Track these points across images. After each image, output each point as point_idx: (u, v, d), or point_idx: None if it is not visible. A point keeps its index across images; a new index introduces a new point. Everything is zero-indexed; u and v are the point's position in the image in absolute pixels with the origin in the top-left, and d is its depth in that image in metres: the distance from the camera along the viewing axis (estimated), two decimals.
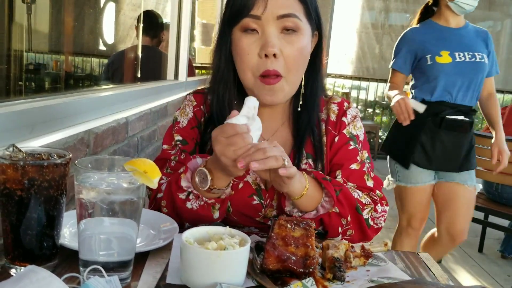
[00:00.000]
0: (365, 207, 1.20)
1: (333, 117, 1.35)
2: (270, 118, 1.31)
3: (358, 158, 1.31)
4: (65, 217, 1.05)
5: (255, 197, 1.24)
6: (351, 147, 1.31)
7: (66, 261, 0.95)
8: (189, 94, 1.41)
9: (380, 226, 1.24)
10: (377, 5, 8.99)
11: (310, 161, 1.30)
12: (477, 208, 3.61)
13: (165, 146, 1.35)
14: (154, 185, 0.84)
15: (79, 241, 0.88)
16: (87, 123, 1.51)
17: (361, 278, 0.91)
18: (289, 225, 0.94)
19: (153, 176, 0.83)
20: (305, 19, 1.21)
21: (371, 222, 1.20)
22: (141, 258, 0.98)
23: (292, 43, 1.18)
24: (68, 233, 1.04)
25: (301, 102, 1.30)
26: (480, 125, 7.10)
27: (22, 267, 0.86)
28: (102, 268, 0.83)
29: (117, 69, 3.52)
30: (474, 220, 3.66)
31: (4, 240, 0.88)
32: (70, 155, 0.90)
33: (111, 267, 0.86)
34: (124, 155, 1.90)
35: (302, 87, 1.30)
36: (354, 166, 1.29)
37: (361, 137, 1.35)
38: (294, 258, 0.89)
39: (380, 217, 1.23)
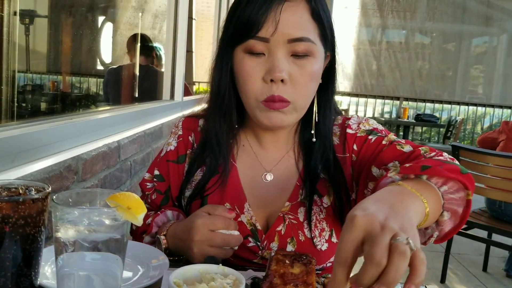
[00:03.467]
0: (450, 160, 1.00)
1: (336, 140, 1.23)
2: (272, 146, 1.23)
3: (384, 142, 1.16)
4: (46, 253, 0.99)
5: (250, 239, 1.16)
6: (372, 140, 1.17)
7: None
8: (181, 118, 1.33)
9: None
10: (374, 22, 9.04)
11: (316, 197, 1.18)
12: (480, 226, 3.54)
13: (146, 175, 1.30)
14: (138, 222, 0.77)
15: (57, 280, 0.80)
16: (75, 149, 1.45)
17: None
18: (287, 261, 0.87)
19: (137, 213, 0.76)
20: (318, 41, 1.09)
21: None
22: None
23: (302, 68, 1.07)
24: (50, 271, 0.96)
25: (313, 131, 1.19)
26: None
27: None
28: None
29: (113, 87, 3.49)
30: (478, 238, 3.58)
31: None
32: (49, 189, 0.83)
33: None
34: (116, 180, 1.83)
35: (315, 114, 1.18)
36: (384, 149, 1.15)
37: (380, 127, 1.22)
38: None
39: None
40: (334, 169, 1.18)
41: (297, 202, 1.18)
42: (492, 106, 9.09)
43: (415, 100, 9.07)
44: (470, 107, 9.22)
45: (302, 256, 0.89)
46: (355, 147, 1.19)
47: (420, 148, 1.13)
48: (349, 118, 1.25)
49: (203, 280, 0.80)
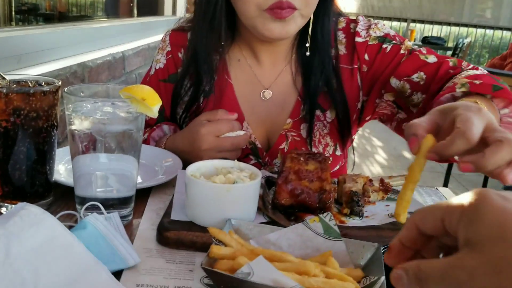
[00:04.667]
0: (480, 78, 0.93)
1: (342, 50, 1.15)
2: (271, 61, 1.16)
3: (402, 51, 1.10)
4: (60, 153, 0.98)
5: (251, 157, 1.15)
6: (388, 49, 1.11)
7: (61, 198, 0.88)
8: (167, 32, 1.22)
9: None
10: None
11: (319, 112, 1.14)
12: None
13: None
14: (154, 113, 0.75)
15: (74, 178, 0.80)
16: (80, 56, 1.41)
17: (381, 213, 0.85)
18: (302, 158, 0.86)
19: (152, 104, 0.74)
20: None
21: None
22: (143, 195, 0.91)
23: None
24: (63, 169, 0.96)
25: (308, 44, 1.11)
26: None
27: (13, 205, 0.79)
28: (101, 204, 0.77)
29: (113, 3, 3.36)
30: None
31: None
32: (60, 83, 0.81)
33: (111, 204, 0.79)
34: None
35: (311, 24, 1.09)
36: (403, 59, 1.09)
37: (392, 32, 1.14)
38: (308, 192, 0.82)
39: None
40: (337, 82, 1.13)
41: (298, 118, 1.15)
42: (501, 28, 8.84)
43: (422, 22, 8.80)
44: (478, 30, 8.97)
45: (317, 154, 0.88)
46: (366, 57, 1.13)
47: (448, 59, 1.07)
48: (355, 21, 1.16)
49: (219, 173, 0.80)
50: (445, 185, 3.72)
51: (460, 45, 7.91)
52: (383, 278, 0.60)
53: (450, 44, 8.55)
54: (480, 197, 0.41)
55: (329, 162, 0.86)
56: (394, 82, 1.09)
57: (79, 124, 0.75)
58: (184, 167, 0.99)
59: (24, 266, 0.61)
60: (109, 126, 0.75)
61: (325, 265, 0.64)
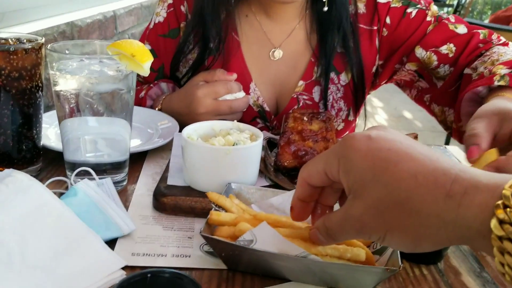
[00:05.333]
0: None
1: (362, 8, 1.07)
2: (281, 17, 1.07)
3: (429, 18, 1.04)
4: (48, 117, 0.93)
5: (258, 120, 1.09)
6: (413, 14, 1.04)
7: (51, 164, 0.84)
8: None
9: None
10: None
11: (333, 74, 1.07)
12: None
13: None
14: (145, 71, 0.69)
15: (63, 143, 0.75)
16: (68, 14, 1.33)
17: None
18: (305, 118, 0.81)
19: (142, 61, 0.68)
20: None
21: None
22: (138, 159, 0.87)
23: None
24: (53, 134, 0.91)
25: None
26: None
27: None
28: (92, 170, 0.72)
29: None
30: None
31: None
32: (43, 40, 0.75)
33: (103, 169, 0.75)
34: None
35: None
36: (430, 28, 1.03)
37: None
38: (312, 153, 0.77)
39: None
40: (354, 42, 1.05)
41: (311, 81, 1.07)
42: None
43: None
44: None
45: (321, 113, 0.83)
46: (388, 20, 1.05)
47: (478, 31, 1.02)
48: None
49: (218, 135, 0.75)
50: (447, 143, 3.69)
51: (462, 2, 7.72)
52: None
53: (451, 1, 8.34)
54: (348, 145, 0.44)
55: (334, 121, 0.81)
56: (419, 52, 1.04)
57: (64, 84, 0.69)
58: (181, 130, 0.94)
59: (11, 237, 0.57)
60: (97, 85, 0.69)
61: None
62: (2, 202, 0.61)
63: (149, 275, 0.50)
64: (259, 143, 0.72)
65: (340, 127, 1.11)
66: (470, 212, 0.37)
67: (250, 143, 0.71)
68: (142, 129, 0.98)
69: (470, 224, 0.37)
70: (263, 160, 0.80)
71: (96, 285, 0.54)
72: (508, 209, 0.35)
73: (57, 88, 0.70)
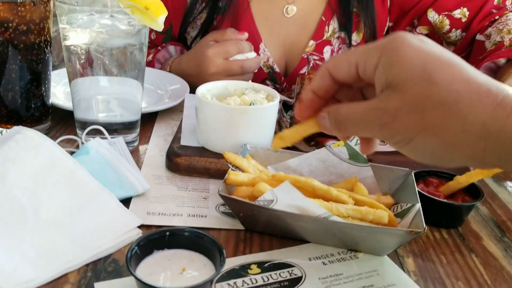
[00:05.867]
0: None
1: None
2: None
3: None
4: (57, 76, 0.91)
5: (268, 82, 1.06)
6: None
7: (60, 123, 0.82)
8: None
9: None
10: None
11: (344, 34, 1.04)
12: None
13: None
14: (159, 26, 0.66)
15: (74, 102, 0.73)
16: None
17: None
18: None
19: (156, 14, 0.65)
20: None
21: None
22: (148, 121, 0.85)
23: None
24: (61, 92, 0.89)
25: None
26: None
27: (7, 130, 0.73)
28: (104, 129, 0.70)
29: None
30: None
31: None
32: None
33: (114, 129, 0.73)
34: None
35: None
36: None
37: None
38: None
39: None
40: (368, 0, 1.02)
41: (322, 40, 1.05)
42: None
43: None
44: None
45: None
46: None
47: None
48: None
49: (232, 95, 0.72)
50: None
51: None
52: (418, 205, 0.55)
53: None
54: (398, 40, 0.39)
55: None
56: (432, 15, 1.01)
57: (74, 39, 0.66)
58: (192, 92, 0.92)
59: (23, 194, 0.56)
60: (108, 40, 0.67)
61: (352, 192, 0.59)
62: (12, 159, 0.59)
63: (167, 233, 0.49)
64: (275, 103, 0.69)
65: None
66: None
67: (267, 103, 0.69)
68: (152, 90, 0.95)
69: None
70: (278, 123, 0.78)
71: (113, 243, 0.53)
72: None
73: (67, 42, 0.67)
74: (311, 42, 1.04)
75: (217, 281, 0.49)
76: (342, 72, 0.42)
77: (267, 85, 1.06)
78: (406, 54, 0.37)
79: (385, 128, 0.38)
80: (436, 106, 0.36)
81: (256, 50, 1.03)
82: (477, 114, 0.35)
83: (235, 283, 0.49)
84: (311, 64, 1.05)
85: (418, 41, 0.38)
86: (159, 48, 1.09)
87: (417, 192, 0.58)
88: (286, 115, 0.82)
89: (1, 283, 0.46)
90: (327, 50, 1.05)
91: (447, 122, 0.36)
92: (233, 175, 0.57)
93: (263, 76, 1.05)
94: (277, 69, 1.05)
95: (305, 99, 0.45)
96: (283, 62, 1.08)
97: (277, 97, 0.70)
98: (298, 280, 0.50)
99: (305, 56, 1.04)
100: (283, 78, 1.07)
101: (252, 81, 1.01)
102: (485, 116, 0.35)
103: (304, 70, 1.05)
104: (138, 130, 0.76)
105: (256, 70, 0.99)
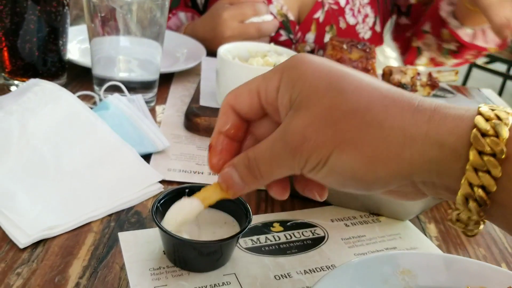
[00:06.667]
0: None
1: None
2: None
3: None
4: (72, 32, 0.89)
5: (282, 32, 1.04)
6: None
7: (76, 79, 0.81)
8: None
9: None
10: None
11: None
12: (501, 60, 3.45)
13: None
14: None
15: (93, 60, 0.72)
16: None
17: None
18: (344, 46, 0.77)
19: None
20: None
21: None
22: (165, 82, 0.83)
23: None
24: (77, 49, 0.87)
25: None
26: None
27: (23, 83, 0.72)
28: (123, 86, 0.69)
29: None
30: (495, 72, 3.53)
31: None
32: None
33: (132, 87, 0.72)
34: None
35: None
36: None
37: None
38: None
39: None
40: None
41: None
42: None
43: None
44: None
45: (361, 42, 0.79)
46: None
47: None
48: None
49: (255, 57, 0.71)
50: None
51: None
52: None
53: None
54: (299, 58, 0.35)
55: (374, 50, 0.77)
56: None
57: None
58: (208, 55, 0.91)
59: (43, 143, 0.55)
60: None
61: None
62: (32, 109, 0.58)
63: (187, 190, 0.48)
64: None
65: (367, 36, 1.07)
66: (445, 126, 0.30)
67: None
68: (169, 52, 0.94)
69: (444, 141, 0.30)
70: None
71: (135, 195, 0.52)
72: (491, 121, 0.29)
73: None
74: None
75: (241, 237, 0.48)
76: (244, 103, 0.37)
77: (280, 35, 1.04)
78: (308, 69, 0.34)
79: (296, 153, 0.33)
80: (348, 115, 0.31)
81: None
82: (394, 118, 0.31)
83: (258, 239, 0.49)
84: (325, 8, 1.03)
85: (318, 59, 0.35)
86: (170, 15, 1.08)
87: None
88: None
89: (25, 228, 0.45)
90: None
91: (363, 132, 0.31)
92: None
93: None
94: (291, 17, 1.04)
95: (215, 144, 0.38)
96: (296, 9, 1.06)
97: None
98: (321, 239, 0.50)
99: (320, 0, 1.02)
100: (297, 27, 1.05)
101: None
102: (403, 122, 0.31)
103: (318, 15, 1.03)
104: (156, 90, 0.75)
105: (273, 34, 0.97)
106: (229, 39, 0.92)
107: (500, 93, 3.89)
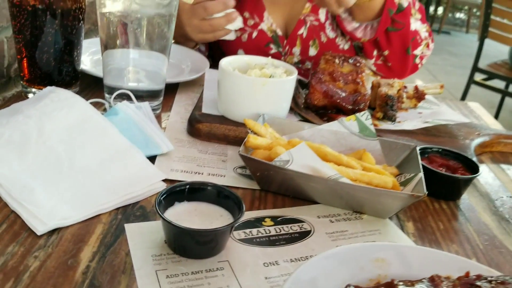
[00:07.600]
0: (420, 44, 1.06)
1: None
2: None
3: None
4: (85, 44, 0.95)
5: (272, 46, 1.11)
6: None
7: (87, 88, 0.87)
8: None
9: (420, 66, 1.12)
10: None
11: None
12: (499, 77, 3.50)
13: None
14: None
15: (104, 70, 0.78)
16: None
17: (414, 119, 0.83)
18: (337, 60, 0.83)
19: None
20: None
21: (418, 60, 1.09)
22: (170, 92, 0.89)
23: None
24: (88, 61, 0.94)
25: None
26: None
27: (40, 90, 0.78)
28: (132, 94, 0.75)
29: None
30: (495, 89, 3.57)
31: (18, 61, 0.79)
32: None
33: (140, 96, 0.78)
34: None
35: None
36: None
37: None
38: (342, 94, 0.80)
39: (428, 55, 1.10)
40: None
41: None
42: None
43: None
44: None
45: (352, 57, 0.85)
46: None
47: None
48: None
49: (253, 68, 0.77)
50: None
51: None
52: (421, 174, 0.59)
53: None
54: None
55: (364, 65, 0.83)
56: None
57: (110, 6, 0.71)
58: (211, 67, 0.97)
59: (58, 144, 0.61)
60: (140, 9, 0.71)
61: (361, 161, 0.63)
62: (48, 114, 0.64)
63: (187, 186, 0.54)
64: (293, 77, 0.74)
65: (346, 47, 1.12)
66: None
67: (285, 77, 0.73)
68: (174, 64, 1.00)
69: None
70: (293, 99, 0.82)
71: (139, 192, 0.58)
72: None
73: (103, 10, 0.72)
74: (307, 5, 1.11)
75: (235, 229, 0.54)
76: None
77: (271, 49, 1.11)
78: None
79: None
80: None
81: (261, 17, 1.09)
82: None
83: (250, 231, 0.54)
84: (307, 25, 1.10)
85: None
86: None
87: (420, 164, 0.62)
88: (302, 91, 0.87)
89: (42, 217, 0.51)
90: (322, 11, 1.11)
91: None
92: (252, 139, 0.62)
93: (267, 40, 1.12)
94: (280, 33, 1.12)
95: None
96: (284, 26, 1.14)
97: (295, 72, 0.75)
98: (307, 233, 0.55)
99: (302, 18, 1.10)
100: (285, 41, 1.12)
101: (257, 45, 1.09)
102: None
103: (301, 31, 1.10)
104: (161, 98, 0.81)
105: (237, 29, 1.04)
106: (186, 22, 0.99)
107: (498, 110, 3.94)
